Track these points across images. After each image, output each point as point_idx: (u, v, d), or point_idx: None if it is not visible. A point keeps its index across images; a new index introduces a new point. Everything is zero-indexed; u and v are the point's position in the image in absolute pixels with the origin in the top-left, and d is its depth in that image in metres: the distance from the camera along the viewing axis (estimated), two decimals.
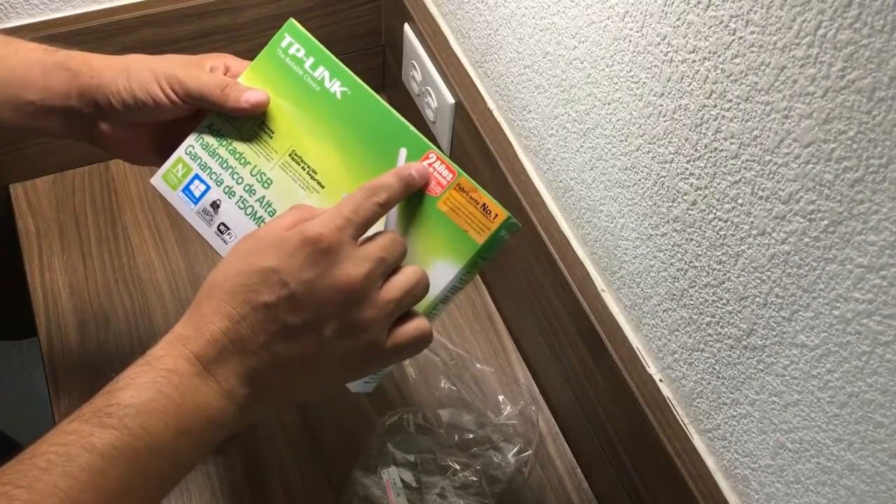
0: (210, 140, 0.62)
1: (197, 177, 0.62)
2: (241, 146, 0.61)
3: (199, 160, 0.62)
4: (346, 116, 0.60)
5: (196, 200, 0.62)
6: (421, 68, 0.91)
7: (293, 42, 0.61)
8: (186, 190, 0.62)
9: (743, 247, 0.52)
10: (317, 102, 0.60)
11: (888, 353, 0.43)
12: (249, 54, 0.98)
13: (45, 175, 0.98)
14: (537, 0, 0.66)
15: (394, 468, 0.76)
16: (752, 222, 0.50)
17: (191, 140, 0.62)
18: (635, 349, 0.68)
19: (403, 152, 0.58)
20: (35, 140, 0.94)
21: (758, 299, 0.52)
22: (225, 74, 0.62)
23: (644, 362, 0.67)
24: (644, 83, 0.56)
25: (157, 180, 0.63)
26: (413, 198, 0.57)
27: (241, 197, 0.60)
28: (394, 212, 0.56)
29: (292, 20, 0.62)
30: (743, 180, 0.50)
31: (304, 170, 0.59)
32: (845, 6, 0.39)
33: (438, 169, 0.57)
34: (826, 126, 0.43)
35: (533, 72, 0.71)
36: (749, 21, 0.45)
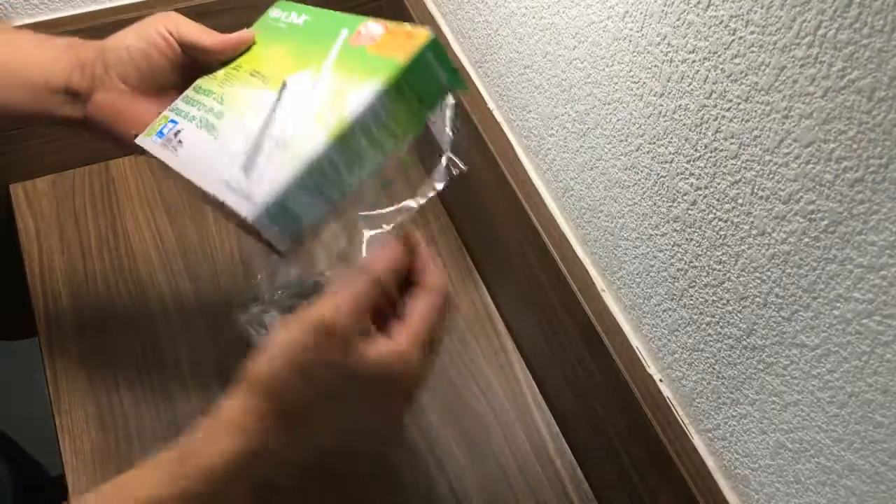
0: (193, 94, 0.63)
1: (172, 121, 0.63)
2: (209, 83, 0.63)
3: (177, 110, 0.63)
4: (302, 33, 0.62)
5: (161, 136, 0.62)
6: None
7: (278, 10, 0.66)
8: (160, 133, 0.62)
9: (743, 247, 0.52)
10: (281, 34, 0.63)
11: (888, 353, 0.43)
12: None
13: (45, 175, 0.98)
14: (537, 0, 0.66)
15: (275, 312, 0.76)
16: (752, 222, 0.50)
17: (176, 101, 0.64)
18: (635, 349, 0.68)
19: (344, 32, 0.58)
20: (38, 134, 0.94)
21: (758, 299, 0.52)
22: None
23: (644, 362, 0.67)
24: (644, 83, 0.56)
25: (141, 139, 0.63)
26: (346, 55, 0.56)
27: (199, 116, 0.61)
28: (326, 69, 0.56)
29: None
30: (743, 180, 0.50)
31: (257, 77, 0.61)
32: (845, 6, 0.39)
33: (371, 29, 0.57)
34: (826, 126, 0.43)
35: (533, 72, 0.71)
36: (749, 21, 0.45)
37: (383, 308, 0.51)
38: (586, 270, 0.72)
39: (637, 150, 0.60)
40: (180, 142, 0.60)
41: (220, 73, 0.64)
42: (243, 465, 0.48)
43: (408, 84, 0.54)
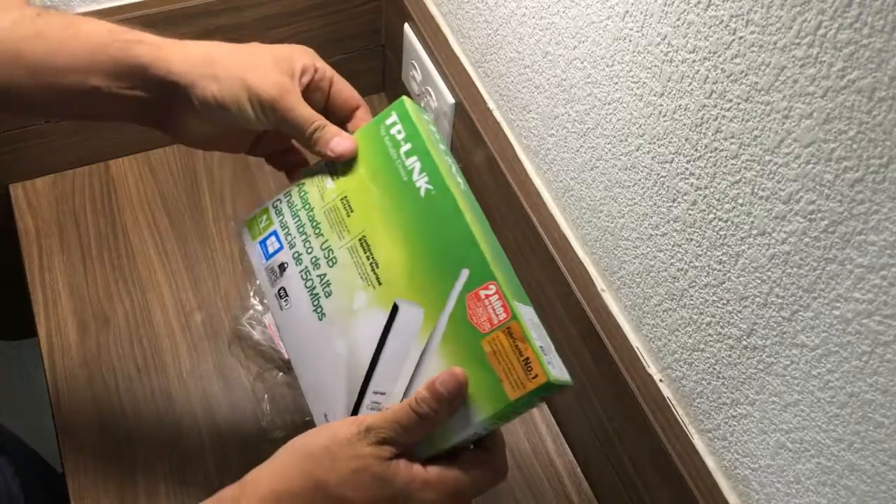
0: (296, 200, 0.60)
1: (275, 233, 0.60)
2: (320, 215, 0.59)
3: (281, 217, 0.60)
4: (423, 216, 0.56)
5: (268, 256, 0.60)
6: (421, 68, 0.91)
7: (397, 122, 0.58)
8: (263, 243, 0.61)
9: (743, 247, 0.52)
10: (401, 193, 0.57)
11: (888, 353, 0.43)
12: None
13: (45, 175, 0.98)
14: (537, 0, 0.66)
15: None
16: (752, 222, 0.50)
17: (280, 195, 0.61)
18: (635, 349, 0.68)
19: (464, 275, 0.54)
20: (38, 134, 0.94)
21: (758, 299, 0.52)
22: (315, 75, 0.60)
23: (644, 362, 0.67)
24: (644, 83, 0.56)
25: (241, 226, 0.62)
26: (460, 326, 0.53)
27: (306, 267, 0.58)
28: (436, 336, 0.54)
29: (405, 98, 0.59)
30: (743, 180, 0.50)
31: (369, 259, 0.57)
32: (845, 6, 0.39)
33: (494, 304, 0.53)
34: (826, 126, 0.43)
35: (533, 72, 0.71)
36: (749, 21, 0.45)
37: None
38: (586, 270, 0.72)
39: (637, 150, 0.60)
40: (286, 293, 0.59)
41: (330, 197, 0.59)
42: None
43: (508, 412, 0.53)
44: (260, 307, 0.87)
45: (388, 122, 0.58)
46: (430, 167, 0.56)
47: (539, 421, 0.85)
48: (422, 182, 0.56)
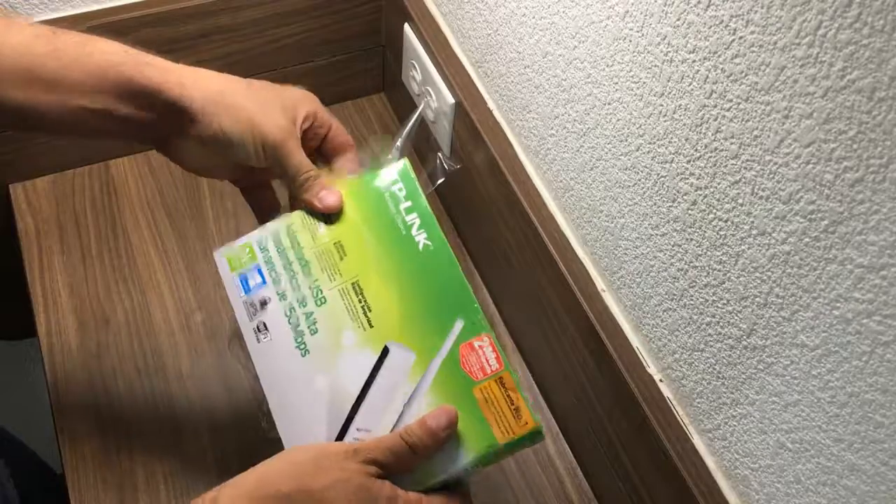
0: (284, 240, 0.62)
1: (258, 268, 0.62)
2: (310, 256, 0.61)
3: (266, 253, 0.62)
4: (419, 269, 0.60)
5: (248, 291, 0.61)
6: (421, 68, 0.91)
7: (399, 181, 0.62)
8: (243, 277, 0.62)
9: (743, 247, 0.52)
10: (398, 245, 0.61)
11: (888, 353, 0.43)
12: (249, 53, 0.98)
13: (45, 175, 0.98)
14: (537, 0, 0.66)
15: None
16: (752, 222, 0.50)
17: (265, 232, 0.62)
18: (635, 349, 0.68)
19: (459, 325, 0.58)
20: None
21: (758, 299, 0.52)
22: (314, 122, 0.63)
23: (644, 362, 0.67)
24: (644, 83, 0.56)
25: (219, 256, 0.63)
26: (452, 373, 0.57)
27: (291, 305, 0.60)
28: (427, 380, 0.57)
29: (407, 162, 0.63)
30: (743, 180, 0.50)
31: (361, 303, 0.59)
32: (845, 6, 0.39)
33: (487, 355, 0.57)
34: (826, 126, 0.43)
35: (533, 72, 0.71)
36: (749, 21, 0.45)
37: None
38: (586, 270, 0.72)
39: (637, 150, 0.60)
40: (266, 327, 0.60)
41: (322, 241, 0.61)
42: None
43: (493, 456, 0.56)
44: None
45: (390, 178, 0.62)
46: (430, 225, 0.61)
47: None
48: (420, 238, 0.60)
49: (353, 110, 1.09)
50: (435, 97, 0.89)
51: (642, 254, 0.63)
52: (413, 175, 0.62)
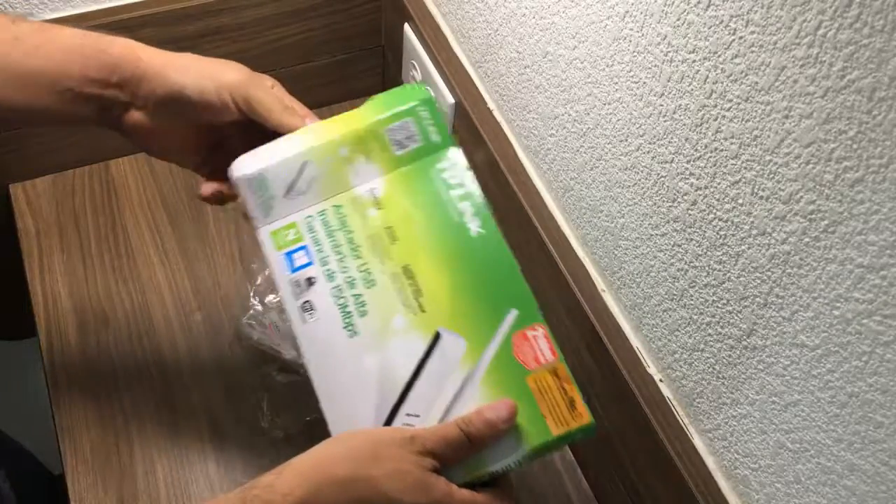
0: (332, 220, 0.60)
1: (304, 248, 0.60)
2: (360, 239, 0.60)
3: (313, 234, 0.60)
4: (472, 256, 0.59)
5: (293, 269, 0.60)
6: (421, 68, 0.91)
7: (451, 168, 0.61)
8: (289, 255, 0.60)
9: (743, 247, 0.52)
10: (450, 231, 0.59)
11: (888, 353, 0.43)
12: (249, 53, 0.98)
13: (45, 175, 0.98)
14: (537, 0, 0.66)
15: (274, 313, 0.82)
16: (752, 222, 0.50)
17: (312, 210, 0.61)
18: (635, 349, 0.68)
19: (513, 314, 0.57)
20: (38, 134, 0.94)
21: (758, 299, 0.52)
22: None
23: (644, 362, 0.67)
24: (644, 83, 0.56)
25: (264, 233, 0.61)
26: (505, 362, 0.56)
27: (339, 285, 0.59)
28: (480, 369, 0.56)
29: (459, 150, 0.62)
30: (743, 180, 0.50)
31: (412, 287, 0.58)
32: (845, 6, 0.39)
33: (541, 345, 0.56)
34: (826, 126, 0.43)
35: (533, 72, 0.71)
36: (749, 21, 0.45)
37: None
38: (586, 270, 0.72)
39: (637, 150, 0.60)
40: (312, 306, 0.59)
41: (374, 224, 0.60)
42: None
43: (545, 448, 0.55)
44: (260, 307, 0.86)
45: (441, 165, 0.61)
46: (482, 213, 0.60)
47: None
48: (473, 225, 0.59)
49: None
50: (435, 97, 0.89)
51: (642, 254, 0.63)
52: (466, 163, 0.62)
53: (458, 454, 0.53)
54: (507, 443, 0.54)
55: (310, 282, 0.59)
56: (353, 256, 0.59)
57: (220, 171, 0.66)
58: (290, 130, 0.60)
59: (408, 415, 0.56)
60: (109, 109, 0.61)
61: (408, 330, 0.57)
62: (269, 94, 0.60)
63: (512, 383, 0.55)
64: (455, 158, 0.61)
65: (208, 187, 0.64)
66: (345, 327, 0.58)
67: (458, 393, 0.55)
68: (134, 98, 0.60)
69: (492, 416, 0.53)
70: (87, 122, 0.62)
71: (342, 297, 0.58)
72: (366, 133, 0.61)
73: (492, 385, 0.55)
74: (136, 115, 0.61)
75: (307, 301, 0.59)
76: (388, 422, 0.56)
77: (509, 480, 0.56)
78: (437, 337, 0.57)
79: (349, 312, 0.58)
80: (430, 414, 0.55)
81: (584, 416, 0.55)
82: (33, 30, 0.59)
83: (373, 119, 0.61)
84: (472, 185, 0.61)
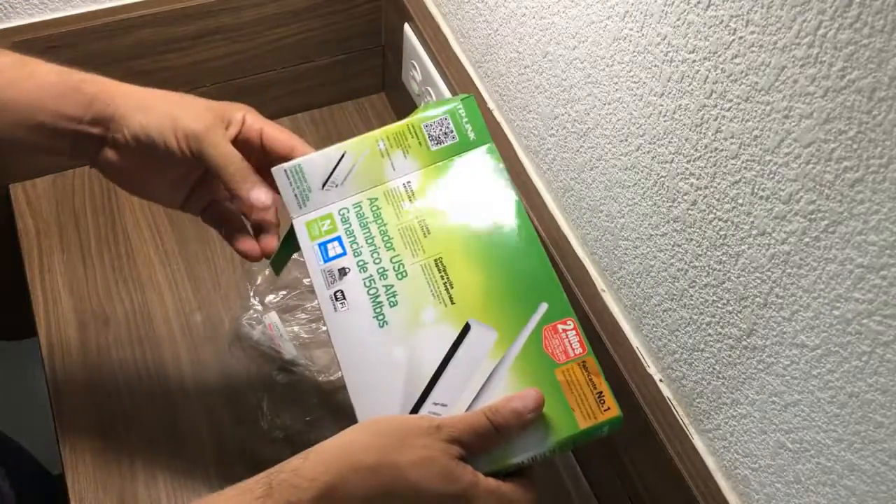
0: (367, 212, 0.61)
1: (338, 238, 0.61)
2: (393, 231, 0.61)
3: (347, 225, 0.61)
4: (504, 250, 0.59)
5: (326, 259, 0.61)
6: (421, 68, 0.91)
7: (485, 163, 0.62)
8: (322, 245, 0.61)
9: (743, 247, 0.52)
10: (483, 225, 0.60)
11: (888, 353, 0.43)
12: (249, 53, 0.98)
13: (45, 175, 0.98)
14: (537, 0, 0.66)
15: (273, 313, 0.83)
16: (752, 222, 0.50)
17: (347, 203, 0.62)
18: (635, 349, 0.68)
19: (543, 308, 0.57)
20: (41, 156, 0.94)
21: (758, 299, 0.52)
22: (242, 126, 0.62)
23: (644, 362, 0.67)
24: (644, 83, 0.56)
25: (299, 224, 0.62)
26: (534, 353, 0.56)
27: (371, 276, 0.60)
28: (508, 359, 0.56)
29: (492, 145, 0.63)
30: (743, 180, 0.50)
31: (443, 279, 0.59)
32: (845, 6, 0.39)
33: (571, 339, 0.57)
34: (826, 126, 0.43)
35: (533, 72, 0.71)
36: (749, 21, 0.45)
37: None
38: (586, 270, 0.72)
39: (637, 150, 0.60)
40: (343, 295, 0.60)
41: (406, 217, 0.61)
42: None
43: (572, 441, 0.55)
44: (260, 307, 0.87)
45: (477, 161, 0.62)
46: (516, 208, 0.60)
47: None
48: (506, 220, 0.60)
49: (353, 110, 1.09)
50: (435, 97, 0.89)
51: (642, 254, 0.63)
52: (499, 157, 0.62)
53: (485, 443, 0.53)
54: (534, 434, 0.54)
55: (342, 272, 0.60)
56: (385, 248, 0.60)
57: (213, 210, 0.67)
58: (235, 196, 0.61)
59: (435, 403, 0.56)
60: (83, 145, 0.61)
61: (438, 321, 0.58)
62: (221, 146, 0.60)
63: (540, 375, 0.56)
64: (490, 155, 0.62)
65: (245, 245, 0.65)
66: (375, 317, 0.59)
67: (486, 383, 0.56)
68: (106, 136, 0.60)
69: (519, 406, 0.53)
70: (61, 155, 0.63)
71: (373, 288, 0.59)
72: (404, 128, 0.63)
73: (520, 376, 0.56)
74: (109, 153, 0.62)
75: (339, 290, 0.60)
76: (416, 410, 0.56)
77: (534, 472, 0.56)
78: (466, 328, 0.57)
79: (380, 302, 0.59)
80: (457, 403, 0.56)
81: (613, 410, 0.55)
82: (13, 63, 0.60)
83: (413, 118, 0.63)
84: (505, 180, 0.61)
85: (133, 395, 0.82)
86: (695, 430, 0.64)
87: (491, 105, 0.81)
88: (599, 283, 0.71)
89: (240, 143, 0.62)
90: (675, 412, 0.65)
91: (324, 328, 0.85)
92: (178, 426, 0.81)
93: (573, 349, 0.56)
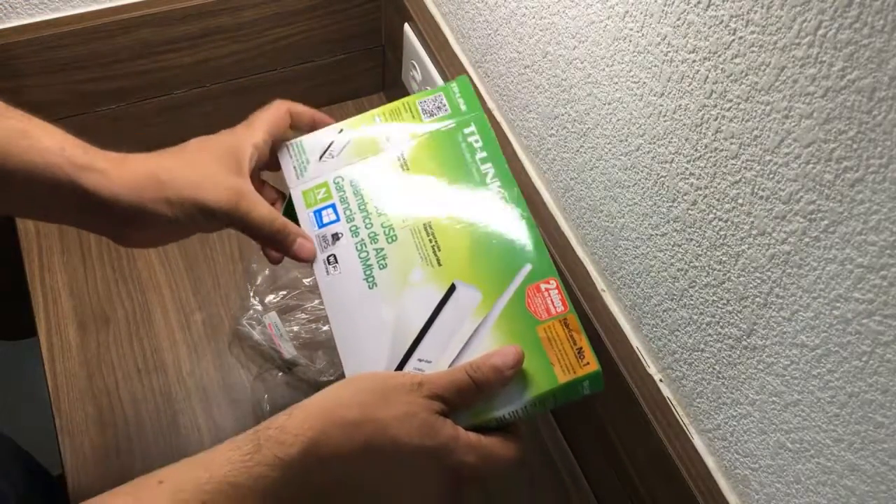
0: (361, 180, 0.64)
1: (332, 206, 0.63)
2: (384, 197, 0.63)
3: (342, 192, 0.64)
4: (491, 214, 0.61)
5: (321, 225, 0.63)
6: (421, 68, 0.91)
7: (476, 133, 0.64)
8: (317, 213, 0.64)
9: (743, 247, 0.52)
10: (472, 190, 0.62)
11: (888, 353, 0.43)
12: (249, 53, 0.98)
13: None
14: (537, 0, 0.66)
15: (273, 313, 0.84)
16: (752, 222, 0.50)
17: (342, 171, 0.64)
18: (635, 349, 0.68)
19: (527, 268, 0.59)
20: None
21: (758, 299, 0.52)
22: (292, 123, 0.64)
23: (644, 362, 0.67)
24: (644, 83, 0.56)
25: (296, 192, 0.64)
26: (517, 312, 0.57)
27: (362, 240, 0.62)
28: (492, 318, 0.57)
29: (484, 115, 0.65)
30: (743, 180, 0.50)
31: (431, 242, 0.61)
32: (845, 6, 0.39)
33: (553, 297, 0.58)
34: (826, 126, 0.43)
35: (533, 72, 0.71)
36: (749, 21, 0.45)
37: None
38: (586, 270, 0.72)
39: (637, 150, 0.60)
40: (336, 259, 0.62)
41: (397, 184, 0.63)
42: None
43: (554, 396, 0.56)
44: (260, 307, 0.87)
45: (467, 130, 0.65)
46: (504, 174, 0.63)
47: (539, 421, 0.85)
48: (494, 186, 0.62)
49: (353, 110, 1.09)
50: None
51: (642, 254, 0.63)
52: (489, 127, 0.64)
53: (466, 399, 0.54)
54: (514, 388, 0.55)
55: (335, 237, 0.62)
56: (377, 213, 0.62)
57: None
58: (287, 254, 0.63)
59: (419, 360, 0.57)
60: (90, 223, 0.60)
61: (425, 282, 0.59)
62: (255, 217, 0.60)
63: (522, 332, 0.57)
64: (481, 124, 0.65)
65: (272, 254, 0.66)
66: (365, 279, 0.60)
67: (469, 341, 0.57)
68: (119, 220, 0.59)
69: (499, 362, 0.54)
70: (67, 224, 0.61)
71: (364, 251, 0.61)
72: (400, 105, 0.66)
73: (502, 334, 0.57)
74: (127, 232, 0.60)
75: (332, 255, 0.62)
76: (401, 367, 0.57)
77: (518, 429, 0.57)
78: (452, 288, 0.59)
79: (370, 265, 0.61)
80: (440, 360, 0.57)
81: (592, 364, 0.56)
82: (16, 133, 0.56)
83: (410, 97, 0.66)
84: (495, 148, 0.64)
85: (133, 395, 0.82)
86: (695, 430, 0.64)
87: (491, 105, 0.81)
88: (599, 283, 0.71)
89: (266, 163, 0.65)
90: (675, 412, 0.65)
91: (324, 328, 0.85)
92: (177, 426, 0.81)
93: (555, 307, 0.57)
